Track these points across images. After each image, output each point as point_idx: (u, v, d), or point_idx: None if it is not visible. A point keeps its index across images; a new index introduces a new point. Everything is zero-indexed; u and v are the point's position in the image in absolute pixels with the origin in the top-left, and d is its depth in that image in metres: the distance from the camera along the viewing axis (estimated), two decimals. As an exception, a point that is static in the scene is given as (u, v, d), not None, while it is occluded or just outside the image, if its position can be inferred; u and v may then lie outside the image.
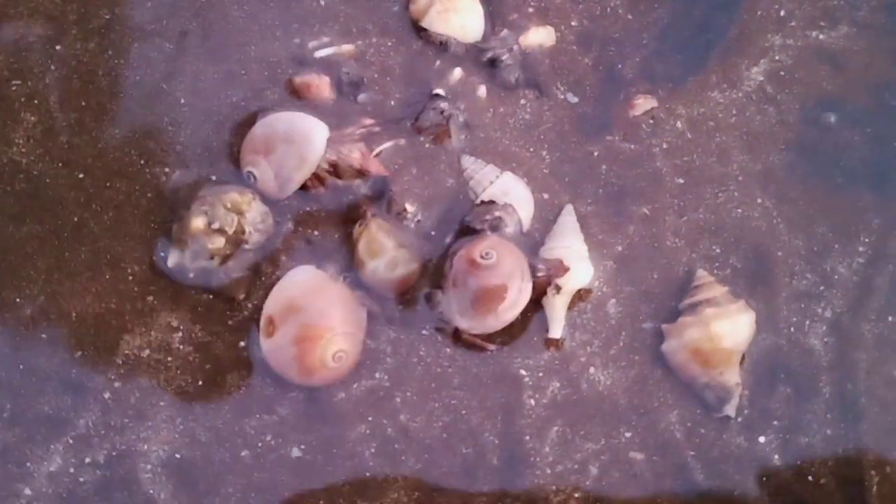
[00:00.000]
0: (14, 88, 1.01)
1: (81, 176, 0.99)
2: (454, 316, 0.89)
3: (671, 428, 0.92)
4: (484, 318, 0.89)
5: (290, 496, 0.91)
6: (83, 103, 1.01)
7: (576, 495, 0.91)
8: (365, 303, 0.93)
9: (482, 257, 0.87)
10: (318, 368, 0.89)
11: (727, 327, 0.90)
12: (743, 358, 0.92)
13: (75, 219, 0.98)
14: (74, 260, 0.97)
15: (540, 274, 0.93)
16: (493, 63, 1.01)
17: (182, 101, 1.01)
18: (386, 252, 0.93)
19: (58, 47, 1.02)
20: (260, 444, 0.93)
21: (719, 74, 1.03)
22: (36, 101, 1.01)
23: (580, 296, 0.95)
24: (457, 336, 0.92)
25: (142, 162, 1.00)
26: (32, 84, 1.01)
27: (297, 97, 1.00)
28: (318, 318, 0.90)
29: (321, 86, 0.99)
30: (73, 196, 0.98)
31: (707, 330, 0.90)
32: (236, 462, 0.92)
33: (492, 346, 0.92)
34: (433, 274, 0.94)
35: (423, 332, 0.94)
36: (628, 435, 0.92)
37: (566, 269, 0.92)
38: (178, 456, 0.92)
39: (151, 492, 0.92)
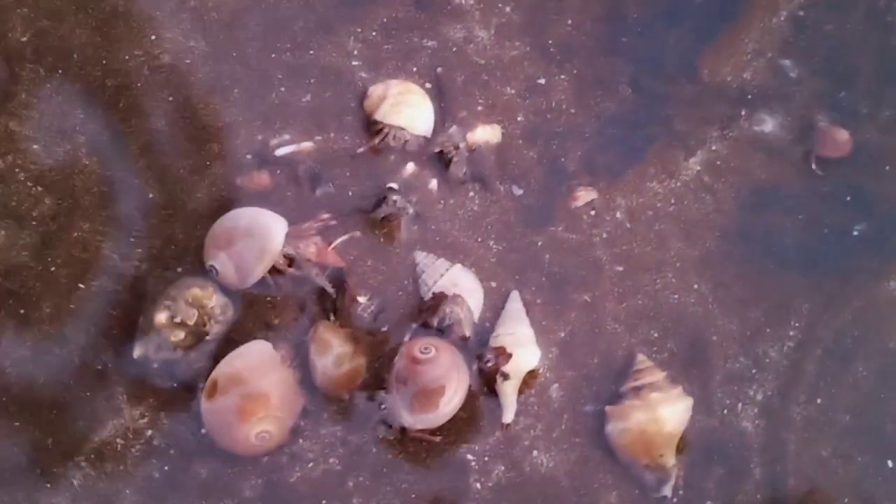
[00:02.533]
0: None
1: (53, 270, 1.05)
2: (400, 413, 0.94)
3: (610, 508, 0.97)
4: (427, 413, 0.94)
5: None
6: (59, 200, 1.07)
7: (520, 575, 0.96)
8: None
9: (421, 352, 0.93)
10: (241, 442, 0.96)
11: (670, 412, 0.95)
12: (679, 441, 0.97)
13: (47, 310, 1.03)
14: (47, 352, 1.02)
15: (488, 363, 0.98)
16: (442, 158, 1.07)
17: (151, 195, 1.07)
18: (332, 349, 0.98)
19: (35, 146, 1.09)
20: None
21: (657, 165, 1.09)
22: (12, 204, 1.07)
23: (525, 381, 1.00)
24: (403, 432, 0.97)
25: (114, 256, 1.05)
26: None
27: (256, 193, 1.06)
28: (255, 395, 0.96)
29: (261, 177, 1.06)
30: (43, 289, 1.04)
31: (653, 414, 0.95)
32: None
33: (438, 438, 0.97)
34: (380, 370, 0.99)
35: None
36: (570, 515, 0.97)
37: (509, 356, 0.97)
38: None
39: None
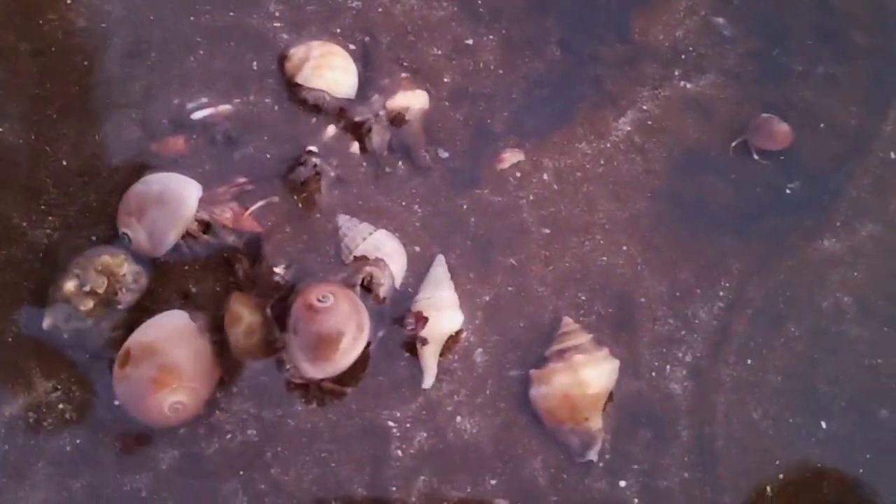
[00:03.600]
0: None
1: (-37, 239, 1.01)
2: (299, 363, 0.92)
3: (535, 474, 0.94)
4: (324, 362, 0.91)
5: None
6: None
7: (441, 544, 0.93)
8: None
9: (319, 300, 0.90)
10: (154, 412, 0.92)
11: (594, 374, 0.92)
12: (606, 403, 0.95)
13: (-44, 282, 1.00)
14: (-46, 323, 0.99)
15: (409, 327, 0.95)
16: (361, 127, 1.04)
17: (64, 162, 1.04)
18: (243, 320, 0.95)
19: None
20: (136, 501, 0.94)
21: (586, 126, 1.06)
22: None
23: (448, 346, 0.97)
24: (315, 386, 0.94)
25: (24, 225, 1.02)
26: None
27: (171, 158, 1.03)
28: (170, 366, 0.92)
29: (176, 142, 1.02)
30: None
31: (576, 376, 0.93)
32: (110, 519, 0.94)
33: (347, 389, 0.94)
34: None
35: (297, 394, 0.96)
36: (494, 482, 0.94)
37: (424, 320, 0.94)
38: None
39: (26, 552, 0.93)
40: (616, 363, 0.95)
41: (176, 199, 0.98)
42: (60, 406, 0.97)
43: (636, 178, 1.05)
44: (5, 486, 0.95)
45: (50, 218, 1.02)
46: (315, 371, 0.93)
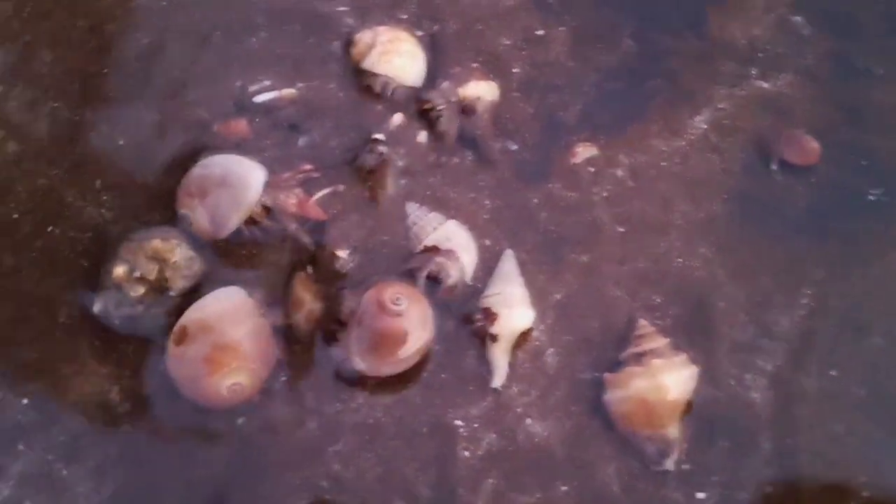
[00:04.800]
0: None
1: (16, 217, 0.97)
2: (351, 353, 0.88)
3: (608, 481, 0.90)
4: (376, 361, 0.89)
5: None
6: (24, 145, 1.00)
7: (510, 552, 0.89)
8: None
9: (393, 302, 0.87)
10: (211, 393, 0.88)
11: (673, 379, 0.88)
12: (683, 411, 0.91)
13: (9, 262, 0.96)
14: (4, 304, 0.95)
15: (478, 323, 0.91)
16: (430, 114, 1.00)
17: (121, 141, 1.00)
18: (304, 305, 0.91)
19: (-3, 87, 1.01)
20: (193, 495, 0.90)
21: (661, 123, 1.02)
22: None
23: (519, 344, 0.93)
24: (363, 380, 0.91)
25: (78, 203, 0.98)
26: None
27: (233, 141, 0.99)
28: (229, 344, 0.88)
29: (238, 125, 0.99)
30: (2, 239, 0.96)
31: (654, 381, 0.88)
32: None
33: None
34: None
35: (358, 388, 0.92)
36: (564, 488, 0.90)
37: (494, 317, 0.90)
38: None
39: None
40: (694, 370, 0.91)
41: (240, 183, 0.94)
42: (115, 391, 0.93)
43: (712, 177, 1.01)
44: (61, 473, 0.90)
45: (105, 197, 0.98)
46: (364, 365, 0.89)
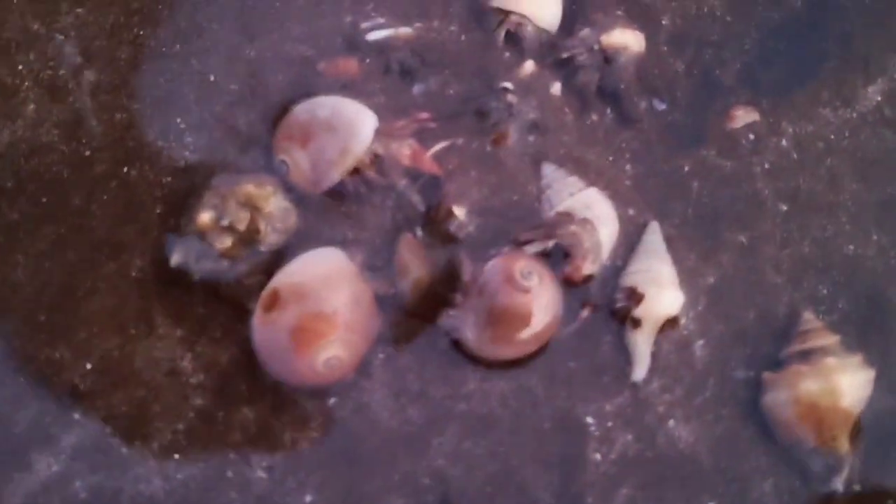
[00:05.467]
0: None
1: (87, 154, 0.86)
2: (465, 326, 0.76)
3: (764, 499, 0.76)
4: (493, 339, 0.77)
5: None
6: (102, 74, 0.88)
7: (646, 577, 0.75)
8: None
9: (522, 276, 0.75)
10: (304, 368, 0.76)
11: (848, 383, 0.74)
12: (856, 422, 0.76)
13: (76, 201, 0.84)
14: (67, 250, 0.83)
15: (618, 304, 0.78)
16: (568, 63, 0.87)
17: (212, 77, 0.88)
18: (410, 273, 0.80)
19: (79, 10, 0.90)
20: (272, 483, 0.78)
21: (831, 90, 0.88)
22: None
23: (663, 332, 0.79)
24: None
25: (159, 143, 0.86)
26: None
27: (340, 82, 0.87)
28: (326, 312, 0.76)
29: (347, 64, 0.86)
30: (72, 175, 0.85)
31: (827, 383, 0.75)
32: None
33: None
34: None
35: (471, 371, 0.79)
36: (712, 504, 0.76)
37: (640, 297, 0.77)
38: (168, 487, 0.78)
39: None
40: (871, 374, 0.77)
41: (348, 127, 0.82)
42: (187, 359, 0.80)
43: (887, 156, 0.87)
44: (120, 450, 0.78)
45: (189, 138, 0.86)
46: (476, 342, 0.77)
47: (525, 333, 0.77)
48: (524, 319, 0.76)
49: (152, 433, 0.79)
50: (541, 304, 0.77)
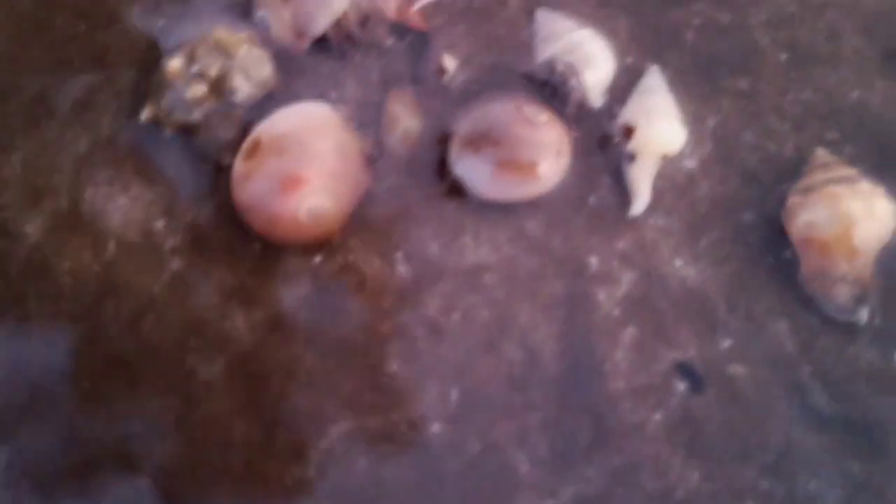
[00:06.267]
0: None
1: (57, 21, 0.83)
2: (473, 174, 0.74)
3: (781, 338, 0.71)
4: (514, 178, 0.73)
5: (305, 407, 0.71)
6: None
7: (657, 417, 0.69)
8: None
9: (532, 113, 0.73)
10: (287, 217, 0.72)
11: (883, 209, 0.70)
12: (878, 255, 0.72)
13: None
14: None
15: (613, 141, 0.75)
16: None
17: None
18: (399, 122, 0.76)
19: None
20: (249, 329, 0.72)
21: (827, -53, 0.86)
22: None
23: (667, 174, 0.75)
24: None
25: (130, 9, 0.83)
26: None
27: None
28: (309, 159, 0.72)
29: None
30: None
31: (868, 205, 0.70)
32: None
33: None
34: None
35: (465, 221, 0.75)
36: (726, 344, 0.71)
37: (630, 130, 0.73)
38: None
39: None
40: (894, 207, 0.72)
41: (330, -22, 0.79)
42: (159, 224, 0.76)
43: (887, 12, 0.84)
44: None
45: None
46: (486, 182, 0.74)
47: (543, 169, 0.73)
48: (543, 150, 0.73)
49: (126, 297, 0.74)
50: (552, 137, 0.73)
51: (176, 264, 0.75)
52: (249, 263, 0.75)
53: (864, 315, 0.70)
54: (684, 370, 0.68)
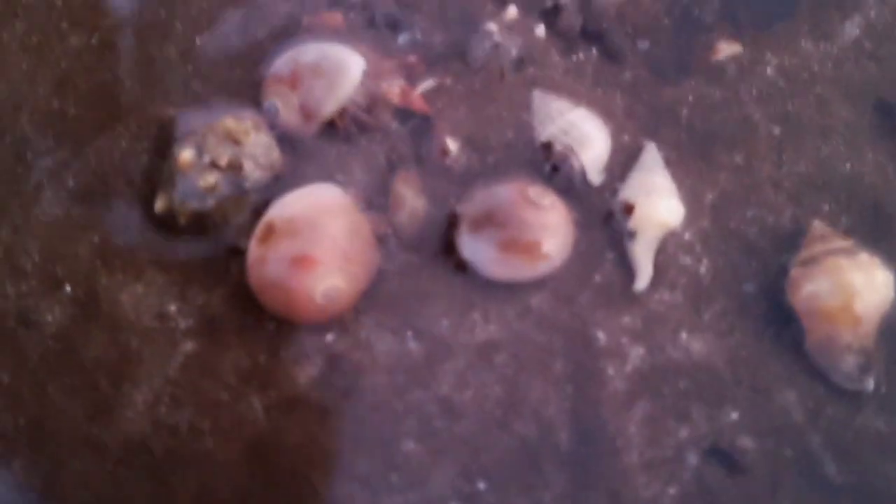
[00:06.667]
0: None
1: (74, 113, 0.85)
2: (479, 256, 0.76)
3: (789, 408, 0.72)
4: (519, 259, 0.75)
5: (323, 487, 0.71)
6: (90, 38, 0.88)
7: (671, 490, 0.70)
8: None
9: (536, 196, 0.76)
10: (302, 300, 0.73)
11: (883, 279, 0.73)
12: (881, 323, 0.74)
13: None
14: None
15: (616, 217, 0.77)
16: (550, 8, 0.88)
17: (198, 41, 0.88)
18: (406, 202, 0.79)
19: None
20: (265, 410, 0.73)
21: (810, 24, 0.90)
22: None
23: (669, 249, 0.77)
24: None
25: (146, 100, 0.85)
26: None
27: (325, 36, 0.87)
28: (323, 241, 0.74)
29: (332, 17, 0.87)
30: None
31: (869, 276, 0.72)
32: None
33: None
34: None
35: (474, 299, 0.77)
36: (735, 415, 0.72)
37: (630, 208, 0.76)
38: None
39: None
40: (891, 277, 0.74)
41: (337, 68, 0.82)
42: (173, 308, 0.77)
43: (873, 86, 0.87)
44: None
45: (179, 95, 0.85)
46: (490, 262, 0.76)
47: (544, 246, 0.75)
48: (547, 232, 0.75)
49: (139, 377, 0.75)
50: (556, 219, 0.76)
51: (189, 346, 0.76)
52: (263, 344, 0.76)
53: (870, 383, 0.71)
54: (718, 456, 0.69)
